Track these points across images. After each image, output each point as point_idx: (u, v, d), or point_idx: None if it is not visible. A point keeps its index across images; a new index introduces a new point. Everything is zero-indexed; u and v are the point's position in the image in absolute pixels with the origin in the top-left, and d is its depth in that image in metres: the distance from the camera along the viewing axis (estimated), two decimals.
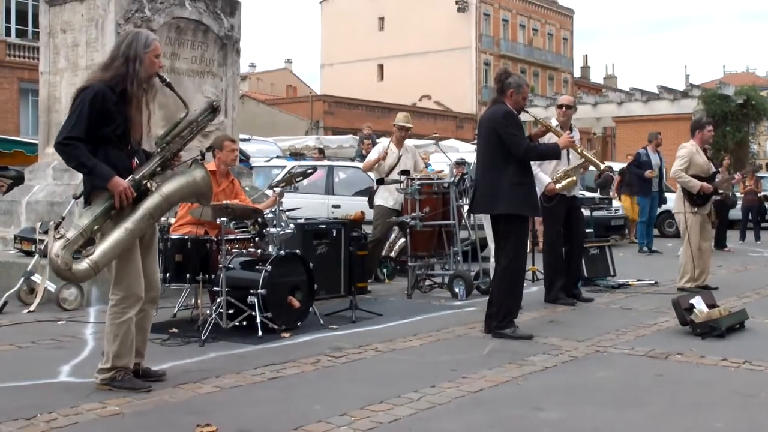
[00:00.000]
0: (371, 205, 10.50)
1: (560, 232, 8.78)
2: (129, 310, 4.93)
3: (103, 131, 4.81)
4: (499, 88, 7.09)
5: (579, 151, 8.27)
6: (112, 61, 4.96)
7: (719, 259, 14.05)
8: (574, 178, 8.76)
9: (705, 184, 9.59)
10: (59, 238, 4.72)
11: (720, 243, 16.34)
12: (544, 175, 8.52)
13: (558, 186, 8.56)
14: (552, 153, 7.42)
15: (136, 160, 5.02)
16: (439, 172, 11.08)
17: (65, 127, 4.81)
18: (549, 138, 7.84)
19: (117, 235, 4.77)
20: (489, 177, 6.97)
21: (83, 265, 4.72)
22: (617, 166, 21.81)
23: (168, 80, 5.10)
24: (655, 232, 17.45)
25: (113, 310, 4.94)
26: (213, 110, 5.17)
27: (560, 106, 8.95)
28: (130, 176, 4.86)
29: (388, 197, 10.08)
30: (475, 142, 8.39)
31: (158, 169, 4.98)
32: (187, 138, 5.10)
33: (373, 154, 10.45)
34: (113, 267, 4.91)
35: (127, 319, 4.92)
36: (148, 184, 4.89)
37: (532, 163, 7.22)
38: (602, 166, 8.88)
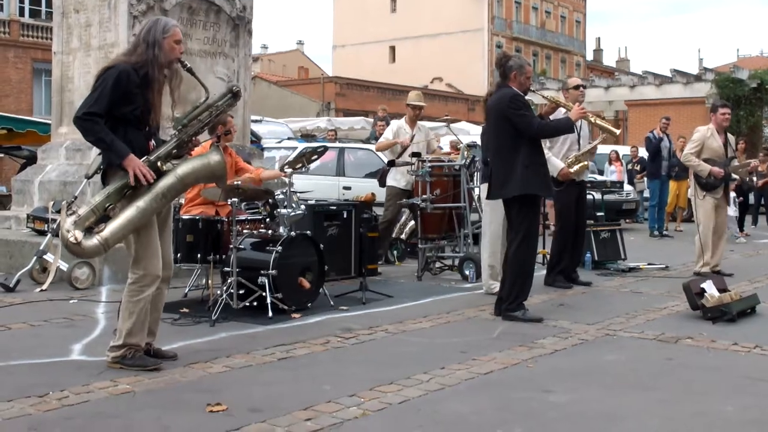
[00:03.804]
0: (381, 184, 10.46)
1: (572, 218, 8.78)
2: (147, 289, 4.97)
3: (123, 111, 4.86)
4: (502, 72, 7.07)
5: (592, 120, 8.17)
6: (135, 47, 5.02)
7: (731, 243, 14.01)
8: (586, 162, 8.75)
9: (715, 168, 9.49)
10: (71, 215, 4.77)
11: (738, 227, 16.28)
12: (556, 159, 8.50)
13: (571, 171, 8.55)
14: (565, 127, 7.33)
15: (153, 142, 5.06)
16: (452, 152, 11.01)
17: (86, 103, 4.86)
18: (559, 114, 7.82)
19: (128, 213, 4.81)
20: (502, 162, 6.95)
21: (93, 241, 4.75)
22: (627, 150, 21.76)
23: (189, 66, 5.14)
24: None
25: (131, 288, 4.98)
26: (234, 95, 5.19)
27: (576, 87, 8.89)
28: (145, 156, 4.89)
29: (400, 178, 10.05)
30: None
31: (174, 150, 5.02)
32: (205, 121, 5.15)
33: (388, 134, 10.39)
34: (132, 246, 4.96)
35: (144, 298, 4.97)
36: (163, 165, 4.93)
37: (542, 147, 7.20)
38: (617, 132, 8.80)
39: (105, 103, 4.79)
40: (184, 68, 5.10)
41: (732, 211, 15.38)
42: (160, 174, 4.92)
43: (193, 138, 5.13)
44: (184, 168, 4.99)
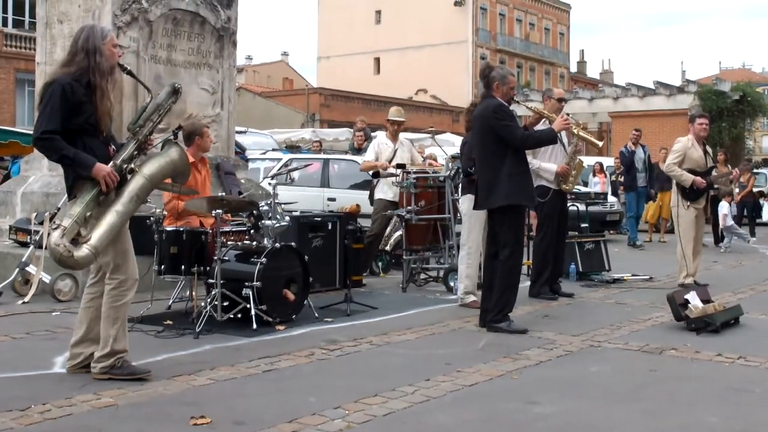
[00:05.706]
0: (372, 201, 10.40)
1: (555, 227, 8.80)
2: (128, 293, 5.03)
3: (77, 122, 4.85)
4: (486, 83, 7.12)
5: (576, 132, 8.21)
6: (72, 56, 5.00)
7: (714, 254, 14.09)
8: (578, 160, 8.84)
9: (698, 178, 9.54)
10: (55, 229, 4.74)
11: (719, 238, 16.35)
12: (547, 164, 8.57)
13: (573, 172, 8.67)
14: (548, 138, 7.38)
15: (113, 147, 5.09)
16: (433, 162, 11.02)
17: (40, 123, 4.84)
18: (543, 125, 7.87)
19: (110, 218, 4.84)
20: (487, 172, 6.97)
21: (84, 251, 4.75)
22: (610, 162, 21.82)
23: (128, 68, 5.22)
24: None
25: (113, 293, 5.00)
26: (175, 92, 5.26)
27: (559, 100, 8.93)
28: (111, 162, 4.92)
29: (387, 190, 10.00)
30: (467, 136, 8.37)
31: (135, 152, 5.05)
32: (156, 121, 5.17)
33: (370, 155, 10.27)
34: (110, 252, 4.95)
35: (126, 302, 5.03)
36: (129, 168, 4.96)
37: (531, 158, 7.24)
38: (600, 144, 8.87)
39: (58, 119, 4.78)
40: (124, 71, 5.17)
41: (730, 220, 15.49)
42: (127, 177, 4.95)
43: (149, 137, 5.14)
44: (150, 168, 5.05)
